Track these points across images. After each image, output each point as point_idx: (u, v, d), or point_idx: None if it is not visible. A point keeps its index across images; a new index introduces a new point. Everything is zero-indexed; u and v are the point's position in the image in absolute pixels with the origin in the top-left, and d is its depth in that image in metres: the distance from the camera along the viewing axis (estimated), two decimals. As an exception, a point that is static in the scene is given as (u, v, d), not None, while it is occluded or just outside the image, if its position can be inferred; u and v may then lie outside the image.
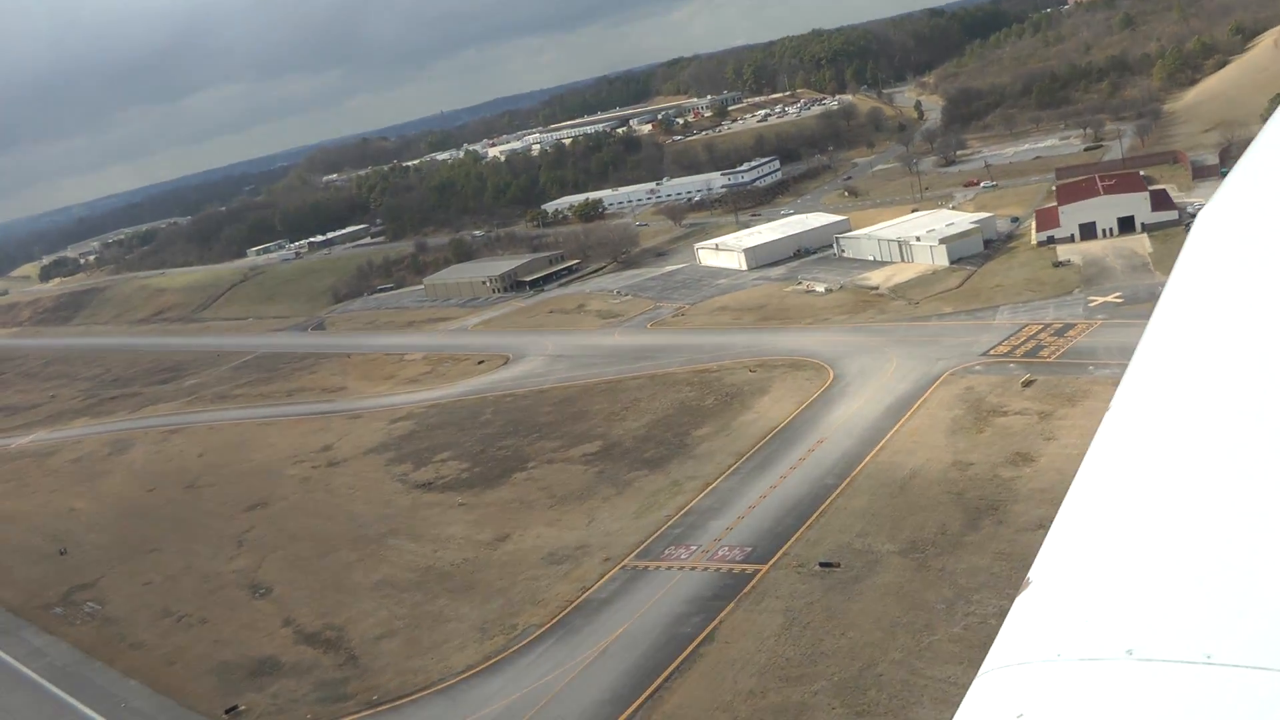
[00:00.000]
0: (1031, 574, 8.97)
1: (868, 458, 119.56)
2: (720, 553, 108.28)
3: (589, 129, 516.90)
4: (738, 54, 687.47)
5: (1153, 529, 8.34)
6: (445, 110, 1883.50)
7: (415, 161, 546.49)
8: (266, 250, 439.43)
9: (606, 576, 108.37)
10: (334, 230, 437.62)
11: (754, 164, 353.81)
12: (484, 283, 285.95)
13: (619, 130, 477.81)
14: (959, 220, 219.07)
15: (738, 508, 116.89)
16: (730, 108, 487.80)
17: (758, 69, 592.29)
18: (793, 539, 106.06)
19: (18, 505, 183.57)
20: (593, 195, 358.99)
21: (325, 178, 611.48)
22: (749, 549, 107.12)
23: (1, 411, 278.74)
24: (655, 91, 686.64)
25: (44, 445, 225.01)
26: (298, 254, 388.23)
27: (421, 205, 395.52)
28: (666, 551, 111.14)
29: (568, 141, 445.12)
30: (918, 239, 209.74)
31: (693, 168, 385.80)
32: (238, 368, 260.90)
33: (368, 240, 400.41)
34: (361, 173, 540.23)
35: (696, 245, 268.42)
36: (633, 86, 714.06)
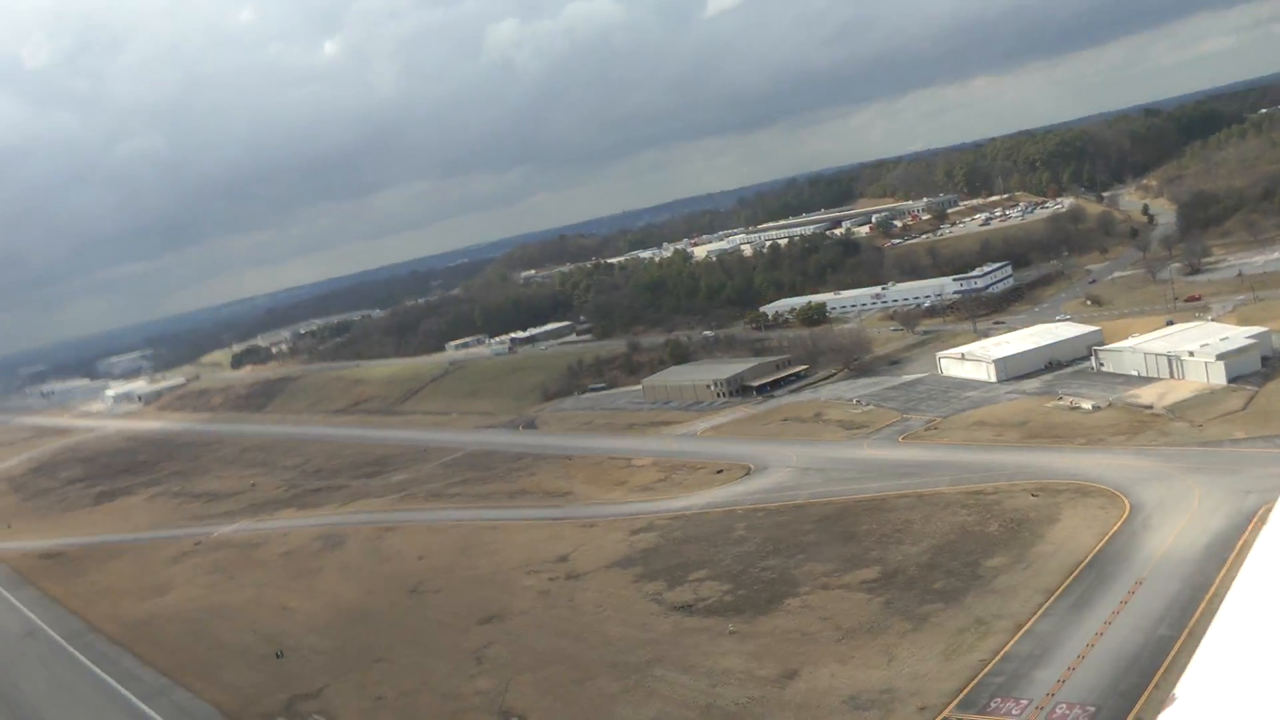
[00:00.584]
0: (1178, 690, 12.22)
1: (1201, 604, 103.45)
2: (1059, 711, 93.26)
3: (798, 230, 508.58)
4: (946, 155, 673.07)
5: None
6: (627, 210, 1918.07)
7: (618, 259, 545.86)
8: (465, 345, 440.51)
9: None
10: (536, 327, 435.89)
11: (986, 269, 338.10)
12: (708, 386, 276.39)
13: (832, 232, 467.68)
14: (1233, 335, 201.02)
15: (1064, 657, 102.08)
16: (948, 210, 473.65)
17: (970, 171, 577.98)
18: (1141, 700, 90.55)
19: (227, 599, 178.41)
20: (815, 298, 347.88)
21: (524, 274, 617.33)
22: (1092, 709, 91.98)
23: (202, 498, 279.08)
24: (859, 194, 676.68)
25: (250, 536, 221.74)
26: (512, 348, 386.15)
27: (631, 304, 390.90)
28: (993, 704, 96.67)
29: (782, 243, 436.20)
30: (1190, 354, 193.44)
31: (915, 272, 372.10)
32: (448, 465, 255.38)
33: (574, 338, 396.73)
34: (563, 269, 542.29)
35: (939, 354, 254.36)
36: (834, 188, 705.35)
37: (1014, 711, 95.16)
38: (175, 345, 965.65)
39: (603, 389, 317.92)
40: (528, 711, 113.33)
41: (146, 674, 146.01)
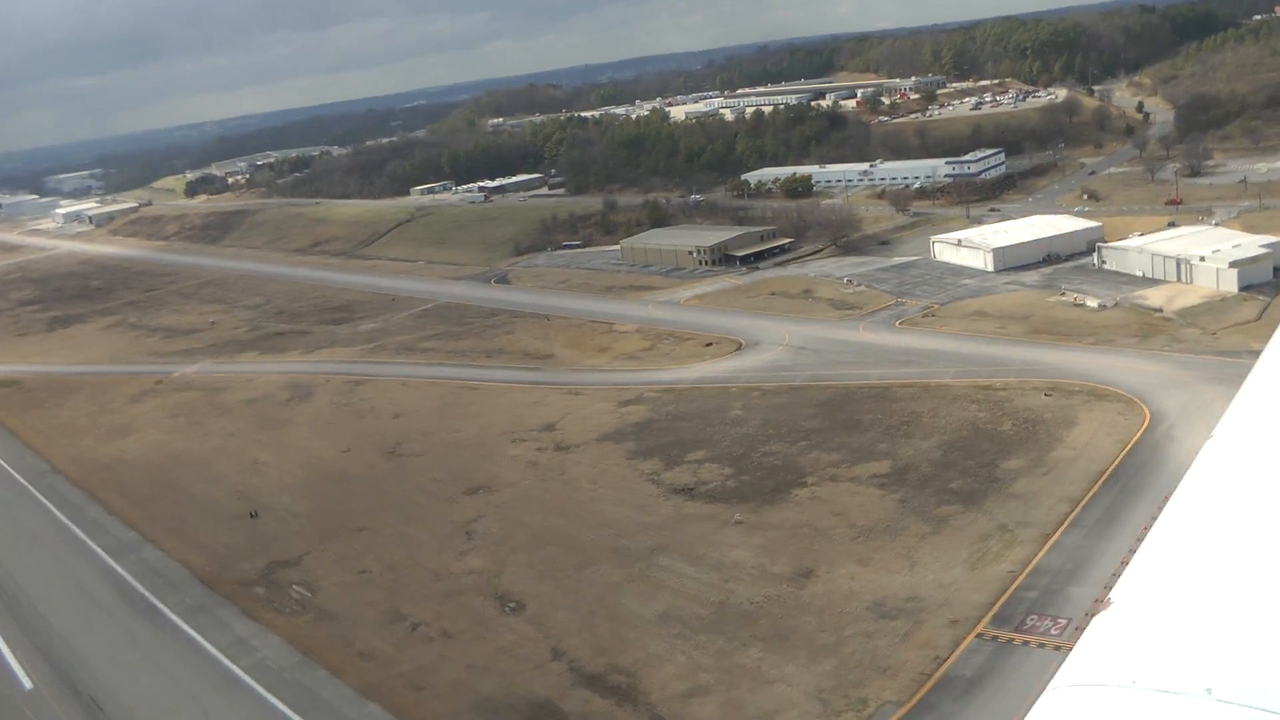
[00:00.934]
0: (1113, 594, 9.80)
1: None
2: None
3: (780, 99, 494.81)
4: (933, 35, 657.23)
5: (1246, 563, 8.69)
6: (590, 63, 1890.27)
7: (591, 113, 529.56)
8: (432, 191, 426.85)
9: (962, 646, 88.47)
10: (505, 177, 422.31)
11: (980, 154, 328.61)
12: (690, 253, 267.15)
13: (817, 103, 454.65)
14: (1245, 242, 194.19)
15: (1098, 574, 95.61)
16: (938, 91, 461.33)
17: (958, 53, 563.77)
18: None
19: (193, 446, 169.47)
20: (800, 170, 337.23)
21: (492, 121, 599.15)
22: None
23: (159, 333, 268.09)
24: (839, 67, 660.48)
25: (212, 379, 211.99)
26: (487, 197, 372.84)
27: (607, 161, 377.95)
28: (1029, 622, 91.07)
29: (766, 110, 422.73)
30: (1201, 259, 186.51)
31: (902, 152, 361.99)
32: (418, 316, 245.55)
33: (545, 191, 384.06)
34: (534, 119, 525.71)
35: (932, 238, 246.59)
36: (814, 59, 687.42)
37: (1052, 631, 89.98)
38: (125, 166, 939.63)
39: (577, 246, 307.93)
40: (525, 597, 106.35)
41: (114, 526, 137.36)
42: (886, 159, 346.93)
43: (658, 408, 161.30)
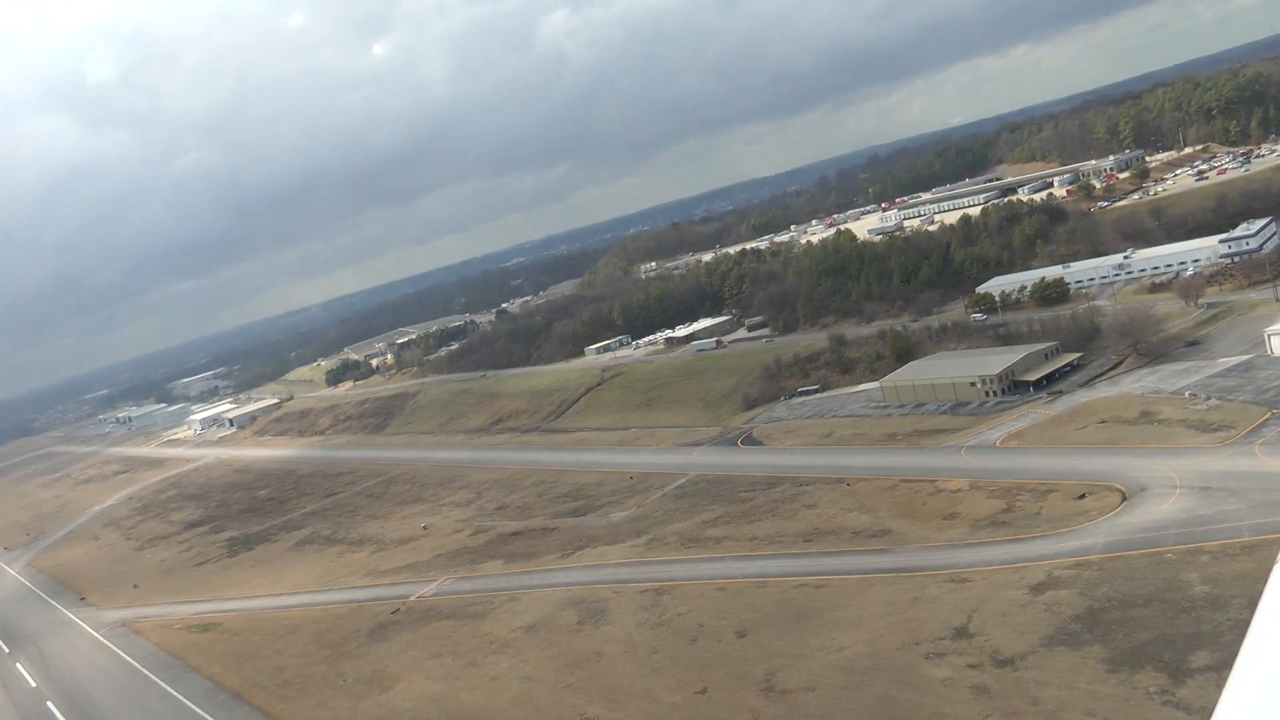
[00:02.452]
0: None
1: None
2: None
3: (963, 201, 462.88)
4: (1101, 110, 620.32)
5: None
6: (677, 199, 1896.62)
7: (752, 245, 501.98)
8: (608, 348, 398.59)
9: None
10: (684, 324, 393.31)
11: (1253, 226, 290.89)
12: (972, 384, 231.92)
13: (1009, 199, 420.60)
14: None
15: None
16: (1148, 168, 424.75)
17: (1136, 125, 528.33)
18: None
19: (486, 700, 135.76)
20: (1047, 273, 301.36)
21: (644, 266, 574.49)
22: None
23: (366, 547, 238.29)
24: (995, 159, 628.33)
25: (462, 601, 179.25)
26: (718, 343, 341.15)
27: (812, 292, 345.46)
28: None
29: (973, 213, 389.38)
30: None
31: (1143, 238, 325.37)
32: (675, 496, 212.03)
33: (746, 334, 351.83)
34: (701, 258, 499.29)
35: (1267, 331, 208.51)
36: (965, 157, 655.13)
37: None
38: (248, 361, 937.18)
39: (815, 391, 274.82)
40: None
41: None
42: (1135, 249, 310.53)
43: (1087, 590, 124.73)
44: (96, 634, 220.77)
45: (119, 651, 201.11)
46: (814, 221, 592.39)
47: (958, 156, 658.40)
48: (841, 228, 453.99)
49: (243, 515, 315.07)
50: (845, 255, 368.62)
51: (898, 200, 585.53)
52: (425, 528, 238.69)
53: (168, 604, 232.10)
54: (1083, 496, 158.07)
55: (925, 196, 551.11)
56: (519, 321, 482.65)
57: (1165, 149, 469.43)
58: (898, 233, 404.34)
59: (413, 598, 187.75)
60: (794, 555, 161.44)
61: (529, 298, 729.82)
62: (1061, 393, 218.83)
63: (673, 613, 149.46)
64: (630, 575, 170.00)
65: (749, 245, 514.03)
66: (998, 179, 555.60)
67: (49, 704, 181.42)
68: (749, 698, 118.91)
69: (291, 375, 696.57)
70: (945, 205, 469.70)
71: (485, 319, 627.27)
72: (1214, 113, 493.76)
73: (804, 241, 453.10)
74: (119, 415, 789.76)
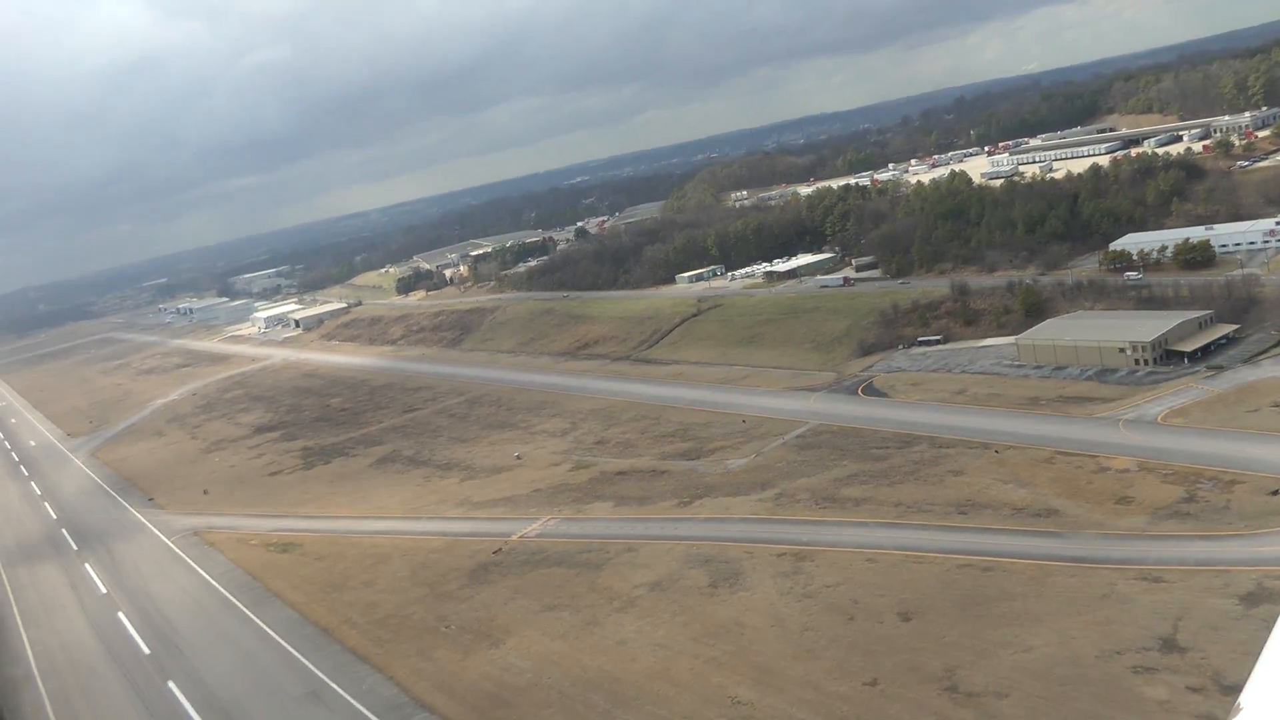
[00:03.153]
0: (1243, 699, 10.99)
1: None
2: None
3: (1084, 150, 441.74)
4: (1227, 65, 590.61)
5: None
6: (747, 128, 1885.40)
7: (866, 181, 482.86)
8: (700, 278, 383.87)
9: None
10: (782, 258, 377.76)
11: None
12: (1121, 350, 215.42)
13: (1137, 152, 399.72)
14: None
15: None
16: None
17: (1268, 82, 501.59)
18: None
19: (613, 668, 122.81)
20: (1190, 234, 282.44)
21: (735, 194, 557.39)
22: None
23: (456, 472, 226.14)
24: (1105, 109, 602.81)
25: (572, 546, 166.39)
26: (846, 280, 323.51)
27: (928, 236, 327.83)
28: None
29: (1103, 163, 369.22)
30: None
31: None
32: (800, 447, 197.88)
33: (854, 274, 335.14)
34: (800, 191, 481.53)
35: None
36: (1074, 104, 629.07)
37: None
38: (309, 261, 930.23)
39: (937, 342, 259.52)
40: None
41: None
42: (1265, 210, 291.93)
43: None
44: (168, 541, 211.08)
45: (193, 564, 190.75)
46: (913, 161, 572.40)
47: (1065, 103, 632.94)
48: (956, 168, 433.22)
49: (315, 424, 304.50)
50: (963, 199, 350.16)
51: (1001, 145, 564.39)
52: (519, 457, 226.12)
53: (241, 515, 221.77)
54: (1276, 493, 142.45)
55: (1034, 142, 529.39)
56: (605, 242, 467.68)
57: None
58: (1015, 178, 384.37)
59: (515, 536, 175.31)
60: (949, 528, 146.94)
61: (604, 218, 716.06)
62: (1222, 367, 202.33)
63: (819, 583, 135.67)
64: (762, 534, 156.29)
65: (847, 180, 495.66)
66: (1111, 129, 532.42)
67: (120, 615, 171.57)
68: (930, 697, 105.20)
69: (358, 280, 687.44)
70: (1062, 153, 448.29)
71: (562, 237, 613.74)
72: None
73: (912, 181, 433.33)
74: (179, 306, 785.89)
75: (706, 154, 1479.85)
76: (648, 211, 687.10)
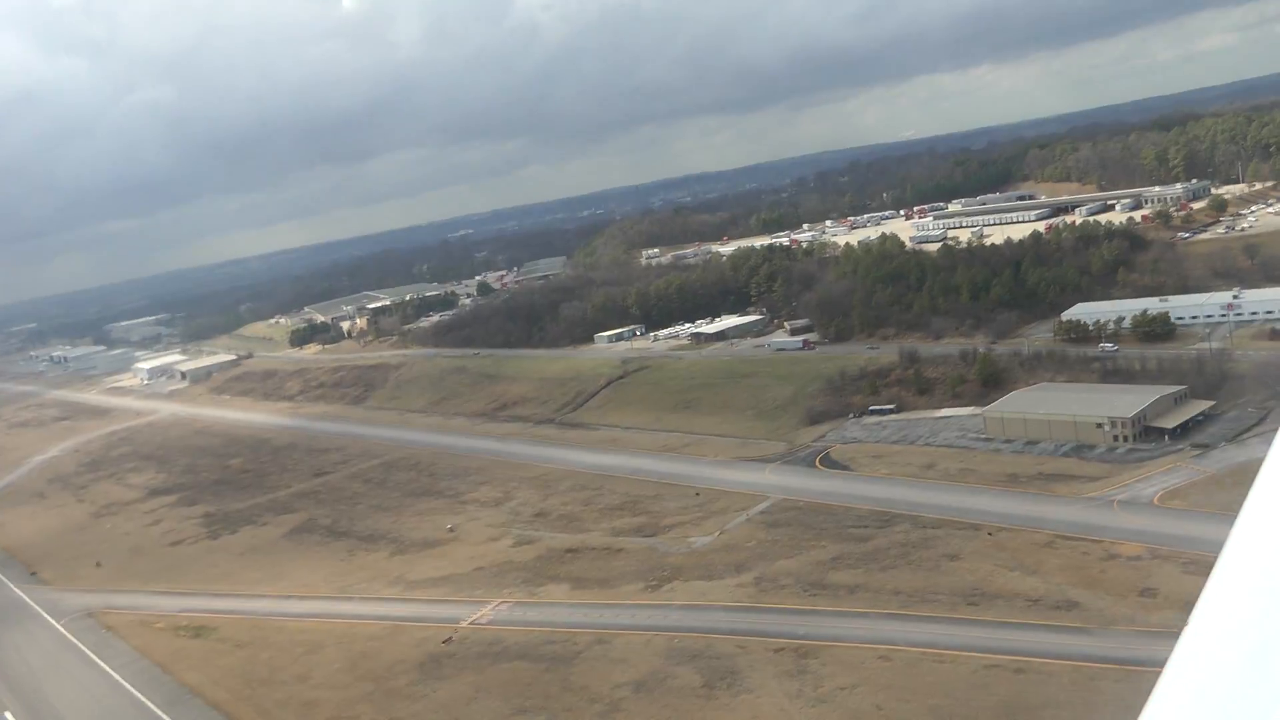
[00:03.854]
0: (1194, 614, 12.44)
1: None
2: None
3: (1012, 216, 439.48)
4: (1147, 137, 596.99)
5: None
6: (629, 184, 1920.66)
7: (783, 241, 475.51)
8: (621, 338, 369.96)
9: None
10: (705, 319, 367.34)
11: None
12: (1098, 425, 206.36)
13: (1069, 220, 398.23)
14: None
15: None
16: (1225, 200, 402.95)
17: (1188, 155, 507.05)
18: None
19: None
20: (1146, 305, 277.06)
21: (646, 252, 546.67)
22: None
23: (384, 545, 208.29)
24: (1019, 176, 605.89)
25: (533, 636, 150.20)
26: (806, 344, 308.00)
27: (866, 300, 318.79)
28: None
29: (1042, 229, 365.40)
30: None
31: (1232, 275, 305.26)
32: (766, 525, 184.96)
33: (789, 338, 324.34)
34: (717, 249, 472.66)
35: None
36: (988, 170, 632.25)
37: None
38: (189, 309, 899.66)
39: (890, 411, 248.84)
40: None
41: None
42: (1240, 288, 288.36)
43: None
44: (59, 625, 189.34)
45: (91, 654, 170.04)
46: (828, 222, 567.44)
47: (980, 168, 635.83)
48: (882, 230, 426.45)
49: (216, 487, 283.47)
50: (900, 262, 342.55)
51: (918, 208, 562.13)
52: (451, 529, 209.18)
53: (142, 592, 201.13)
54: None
55: (954, 207, 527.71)
56: (516, 299, 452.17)
57: (1226, 181, 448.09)
58: (950, 243, 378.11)
59: (464, 623, 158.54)
60: (963, 621, 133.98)
61: (503, 272, 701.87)
62: (1208, 446, 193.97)
63: (832, 685, 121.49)
64: (751, 625, 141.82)
65: (763, 240, 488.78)
66: (1031, 196, 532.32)
67: (7, 715, 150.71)
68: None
69: (246, 330, 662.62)
70: (989, 219, 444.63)
71: (463, 291, 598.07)
72: (1271, 148, 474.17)
73: (834, 242, 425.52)
74: (53, 353, 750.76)
75: (592, 209, 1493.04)
76: (550, 267, 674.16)
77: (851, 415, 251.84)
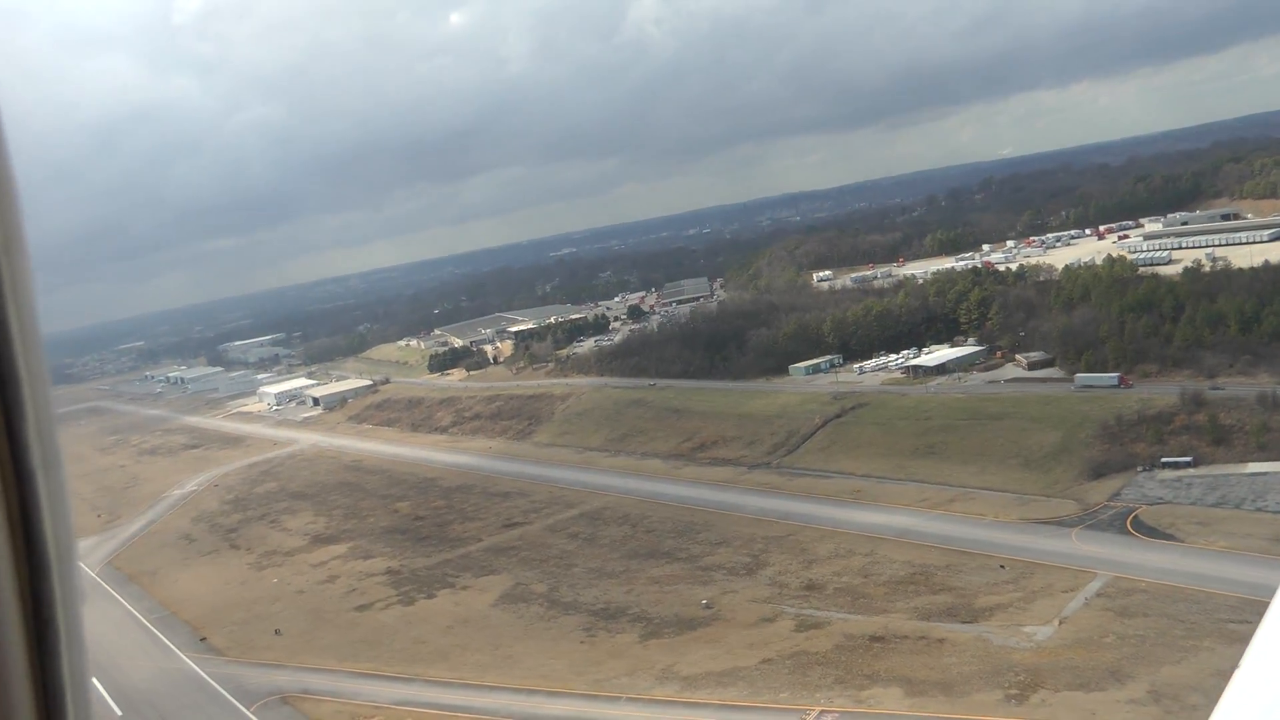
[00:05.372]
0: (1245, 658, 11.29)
1: None
2: None
3: (1245, 235, 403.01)
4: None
5: None
6: (729, 203, 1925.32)
7: (967, 263, 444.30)
8: (818, 369, 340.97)
9: None
10: (909, 348, 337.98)
11: None
12: None
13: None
14: None
15: None
16: None
17: None
18: None
19: None
20: None
21: (818, 275, 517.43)
22: None
23: (632, 624, 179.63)
24: (1212, 193, 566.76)
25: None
26: (1123, 381, 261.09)
27: (1118, 331, 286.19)
28: None
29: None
30: None
31: None
32: (1111, 609, 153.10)
33: (1024, 373, 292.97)
34: (907, 272, 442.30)
35: None
36: (1169, 186, 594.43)
37: None
38: (298, 328, 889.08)
39: (1188, 465, 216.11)
40: None
41: None
42: None
43: None
44: (249, 712, 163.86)
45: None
46: (1009, 242, 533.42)
47: (1164, 185, 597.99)
48: (1115, 254, 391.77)
49: (389, 536, 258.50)
50: (1149, 289, 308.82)
51: (1104, 228, 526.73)
52: (707, 605, 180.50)
53: (341, 672, 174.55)
54: None
55: (1153, 226, 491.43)
56: (697, 325, 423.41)
57: None
58: (1198, 266, 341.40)
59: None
60: None
61: (643, 294, 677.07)
62: None
63: None
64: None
65: (943, 262, 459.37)
66: (1235, 214, 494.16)
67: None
68: None
69: (373, 353, 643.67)
70: (1211, 239, 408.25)
71: (605, 313, 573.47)
72: None
73: (1049, 264, 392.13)
74: (169, 374, 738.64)
75: (698, 228, 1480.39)
76: (695, 288, 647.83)
77: (1140, 468, 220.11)
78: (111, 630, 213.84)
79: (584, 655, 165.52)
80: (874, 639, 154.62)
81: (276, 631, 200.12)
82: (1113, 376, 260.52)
